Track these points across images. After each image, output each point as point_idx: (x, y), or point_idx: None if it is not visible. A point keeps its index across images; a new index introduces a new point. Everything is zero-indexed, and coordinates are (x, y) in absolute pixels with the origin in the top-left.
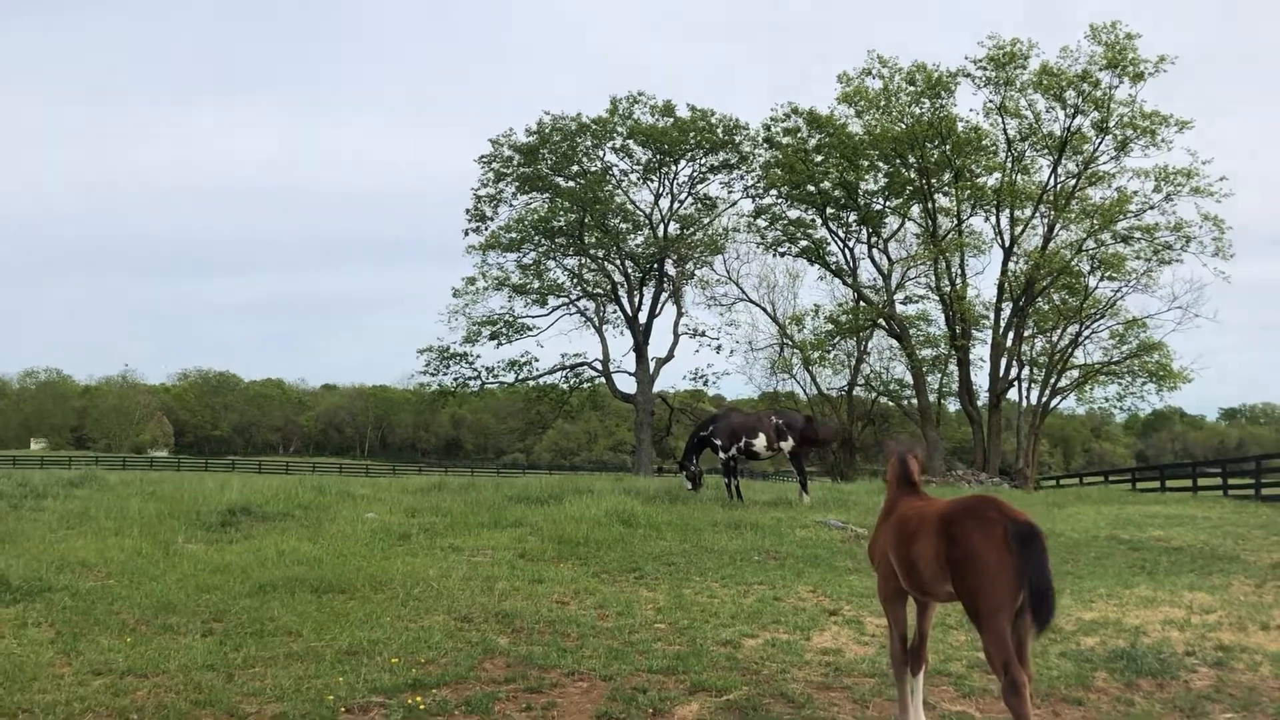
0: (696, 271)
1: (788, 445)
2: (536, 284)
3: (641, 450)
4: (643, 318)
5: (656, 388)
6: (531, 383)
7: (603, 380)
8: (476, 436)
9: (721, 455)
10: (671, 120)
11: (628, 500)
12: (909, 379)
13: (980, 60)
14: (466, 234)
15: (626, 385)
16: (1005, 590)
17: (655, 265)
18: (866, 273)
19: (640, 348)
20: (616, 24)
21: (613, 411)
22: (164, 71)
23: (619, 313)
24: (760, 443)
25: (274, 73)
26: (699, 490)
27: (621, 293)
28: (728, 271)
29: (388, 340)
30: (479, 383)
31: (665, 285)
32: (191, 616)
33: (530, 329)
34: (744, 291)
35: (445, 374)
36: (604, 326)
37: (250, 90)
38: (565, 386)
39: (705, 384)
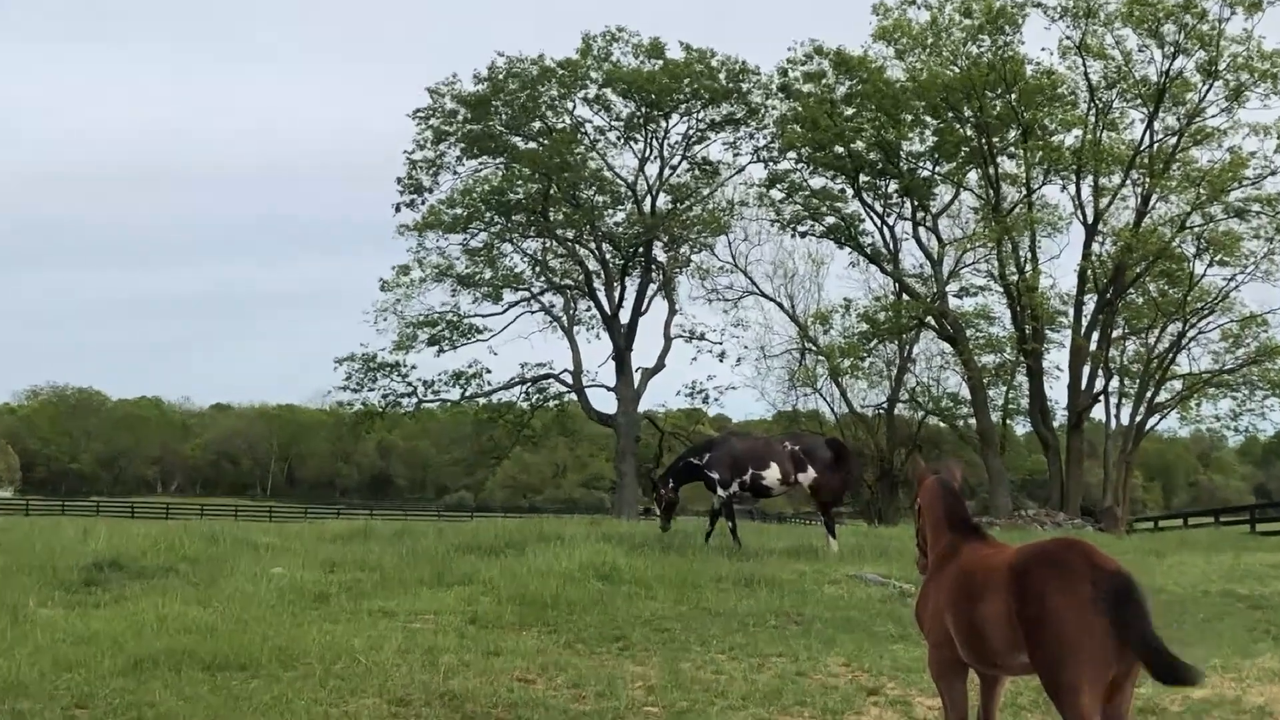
0: (694, 257)
1: (808, 478)
2: (488, 274)
3: (624, 486)
4: (625, 317)
5: (643, 406)
6: (482, 400)
7: (574, 397)
8: (411, 470)
9: (720, 492)
10: (660, 63)
11: (607, 549)
12: (965, 393)
13: None
14: (398, 210)
15: (604, 403)
16: (1092, 661)
17: (641, 249)
18: (911, 257)
19: (622, 355)
20: None
21: (587, 437)
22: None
23: (594, 311)
24: (772, 475)
25: (140, 9)
26: (667, 528)
27: (598, 284)
28: (733, 257)
29: (296, 348)
30: (414, 401)
31: (654, 275)
32: (48, 701)
33: (480, 332)
34: (754, 282)
35: (371, 390)
36: (575, 328)
37: (116, 33)
38: (526, 405)
39: (705, 401)
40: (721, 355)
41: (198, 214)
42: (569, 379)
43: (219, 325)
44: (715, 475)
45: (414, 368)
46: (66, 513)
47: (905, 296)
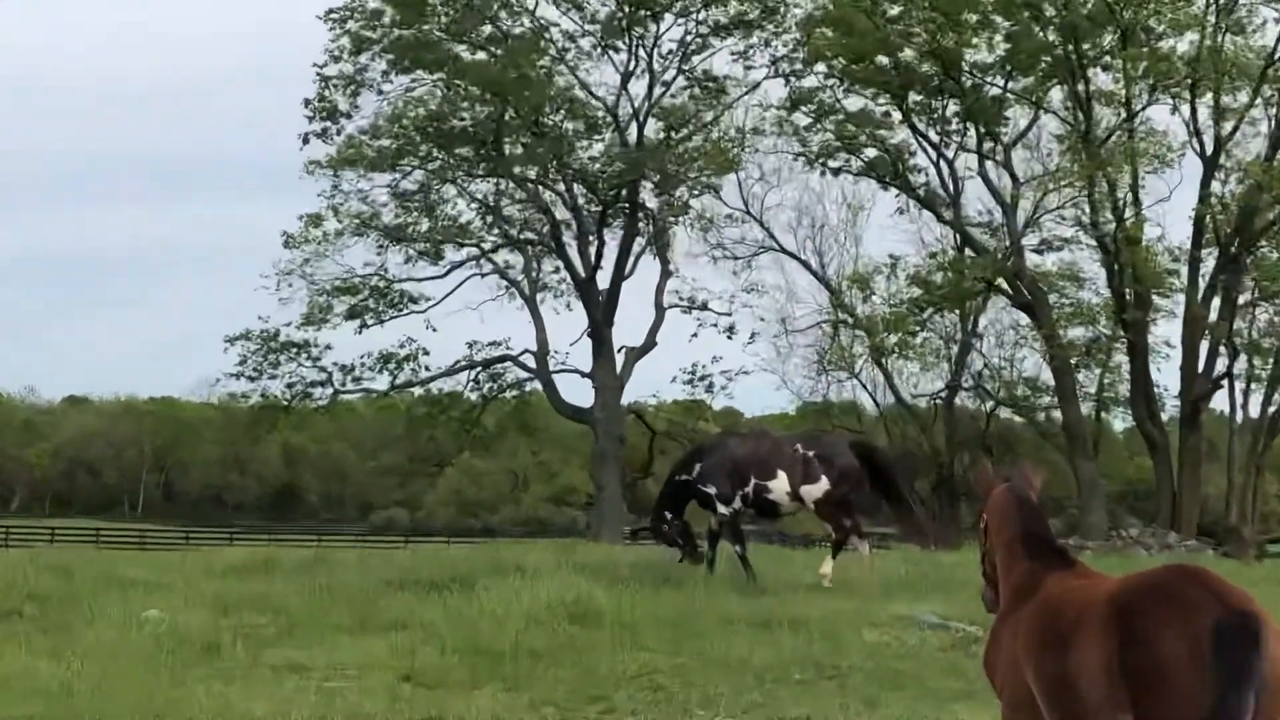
0: (693, 202)
1: (818, 489)
2: (425, 225)
3: (603, 501)
4: (604, 281)
5: (628, 396)
6: (419, 391)
7: (537, 386)
8: (326, 482)
9: (721, 509)
10: None
11: (583, 583)
12: (1047, 378)
13: None
14: (306, 142)
15: (578, 394)
16: None
17: (624, 193)
18: (977, 202)
19: (600, 331)
20: None
21: (555, 438)
22: None
23: (564, 273)
24: (779, 486)
25: None
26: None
27: (568, 239)
28: (745, 202)
29: (175, 324)
30: (329, 391)
31: (641, 226)
32: None
33: (415, 301)
34: (772, 235)
35: (272, 377)
36: (539, 295)
37: None
38: (475, 397)
39: (709, 390)
40: (730, 330)
41: (38, 146)
42: (531, 362)
43: (72, 294)
44: (711, 490)
45: (329, 348)
46: None
47: (969, 252)
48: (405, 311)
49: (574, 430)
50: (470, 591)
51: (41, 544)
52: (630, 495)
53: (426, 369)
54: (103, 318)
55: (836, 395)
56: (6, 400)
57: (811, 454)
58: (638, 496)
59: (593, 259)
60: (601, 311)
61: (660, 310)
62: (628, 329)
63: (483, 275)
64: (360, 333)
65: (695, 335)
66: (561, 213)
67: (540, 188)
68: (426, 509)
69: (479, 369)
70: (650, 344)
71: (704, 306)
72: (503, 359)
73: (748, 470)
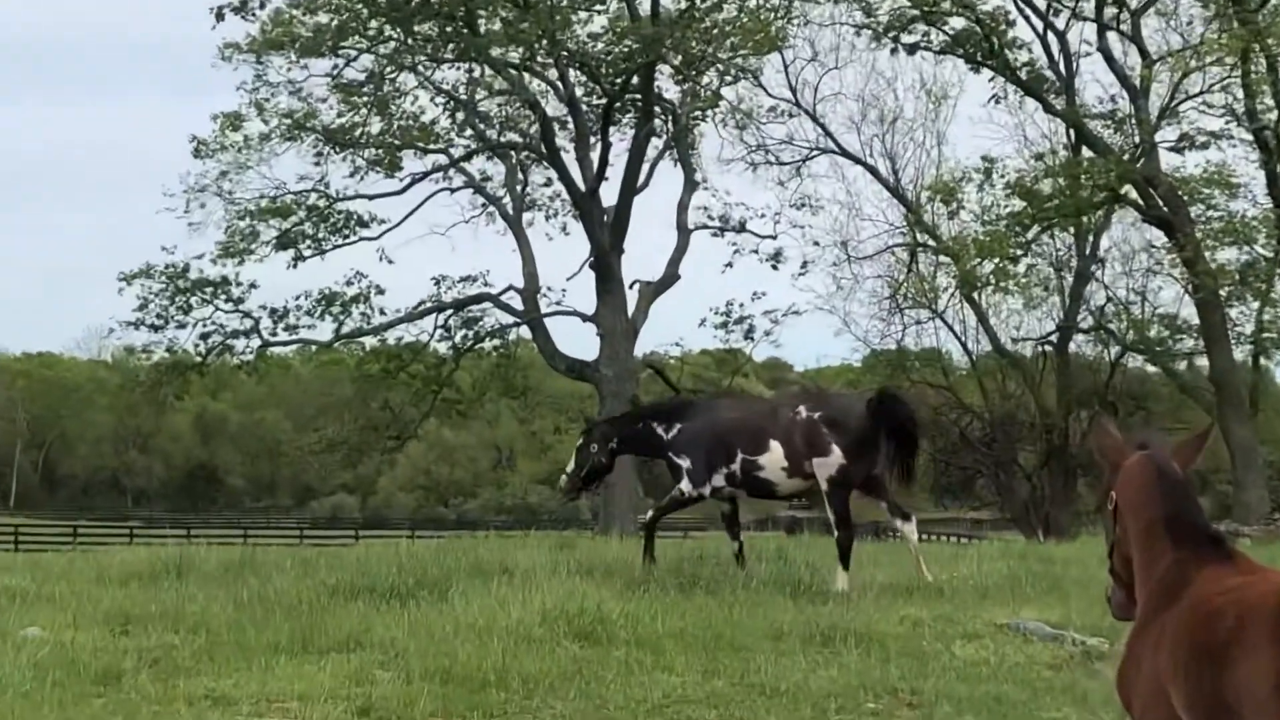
0: (726, 92)
1: (831, 462)
2: (376, 126)
3: (613, 483)
4: (609, 195)
5: (643, 346)
6: (371, 341)
7: (525, 333)
8: (253, 460)
9: (686, 488)
10: None
11: (589, 589)
12: (1190, 315)
13: None
14: (220, 19)
15: (578, 343)
16: None
17: (636, 80)
18: (1096, 86)
19: (606, 260)
20: None
21: (548, 400)
22: None
23: (558, 186)
24: (773, 461)
25: None
26: (573, 498)
27: (563, 142)
28: (793, 90)
29: (54, 258)
30: (255, 343)
31: (659, 124)
32: None
33: (367, 225)
34: (828, 133)
35: (181, 325)
36: (526, 215)
37: None
38: (445, 348)
39: (748, 336)
40: (775, 258)
41: None
42: (517, 302)
43: None
44: (685, 463)
45: (254, 288)
46: None
47: (1086, 153)
48: (352, 239)
49: (573, 390)
50: (443, 600)
51: None
52: (647, 474)
53: (381, 312)
54: None
55: (914, 341)
56: None
57: (817, 417)
58: (656, 476)
59: (595, 167)
60: (608, 235)
61: (684, 233)
62: (641, 259)
63: (452, 190)
64: (294, 267)
65: (729, 265)
66: (554, 108)
67: (526, 75)
68: (383, 494)
69: (449, 312)
70: (671, 277)
71: (741, 227)
72: (479, 298)
73: (734, 443)
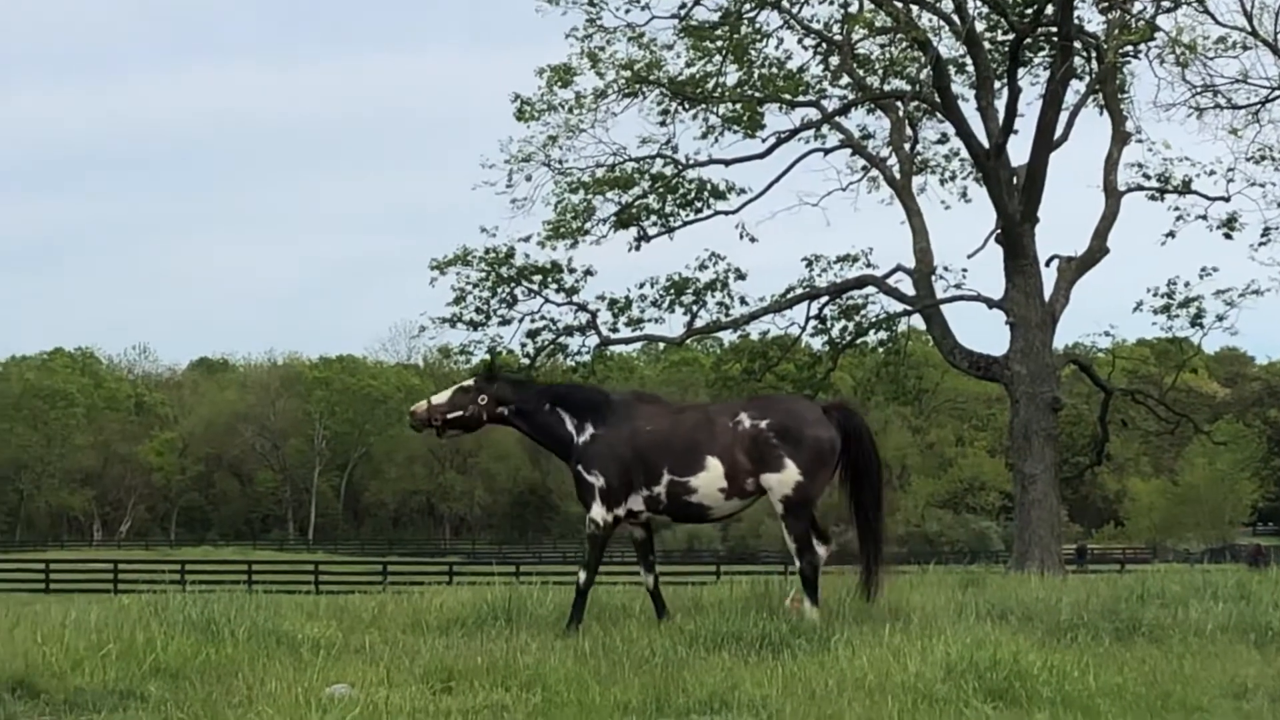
0: (1161, 20)
1: (787, 479)
2: (732, 76)
3: (1030, 505)
4: (1019, 153)
5: (1064, 337)
6: (730, 336)
7: (918, 323)
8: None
9: (597, 512)
10: None
11: (1001, 635)
12: None
13: None
14: None
15: (982, 334)
16: None
17: (1051, 10)
18: None
19: (1016, 232)
20: None
21: (950, 403)
22: None
23: (954, 143)
24: (709, 481)
25: None
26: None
27: (960, 89)
28: (1248, 16)
29: (348, 241)
30: (592, 340)
31: (1079, 64)
32: None
33: (724, 196)
34: None
35: (504, 321)
36: (917, 180)
37: None
38: (820, 343)
39: (1197, 323)
40: (1229, 226)
41: None
42: (907, 286)
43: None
44: (594, 480)
45: (589, 274)
46: None
47: None
48: (706, 213)
49: (978, 392)
50: (824, 650)
51: (167, 584)
52: (1071, 492)
53: (742, 301)
54: (243, 231)
55: None
56: (111, 369)
57: (762, 425)
58: (1083, 495)
59: (1001, 119)
60: (1018, 201)
61: (1113, 196)
62: (1059, 229)
63: (825, 152)
64: (637, 248)
65: (1171, 235)
66: (949, 47)
67: (914, 8)
68: (748, 521)
69: (824, 300)
70: (1098, 250)
71: (1185, 188)
72: (861, 282)
73: (658, 459)
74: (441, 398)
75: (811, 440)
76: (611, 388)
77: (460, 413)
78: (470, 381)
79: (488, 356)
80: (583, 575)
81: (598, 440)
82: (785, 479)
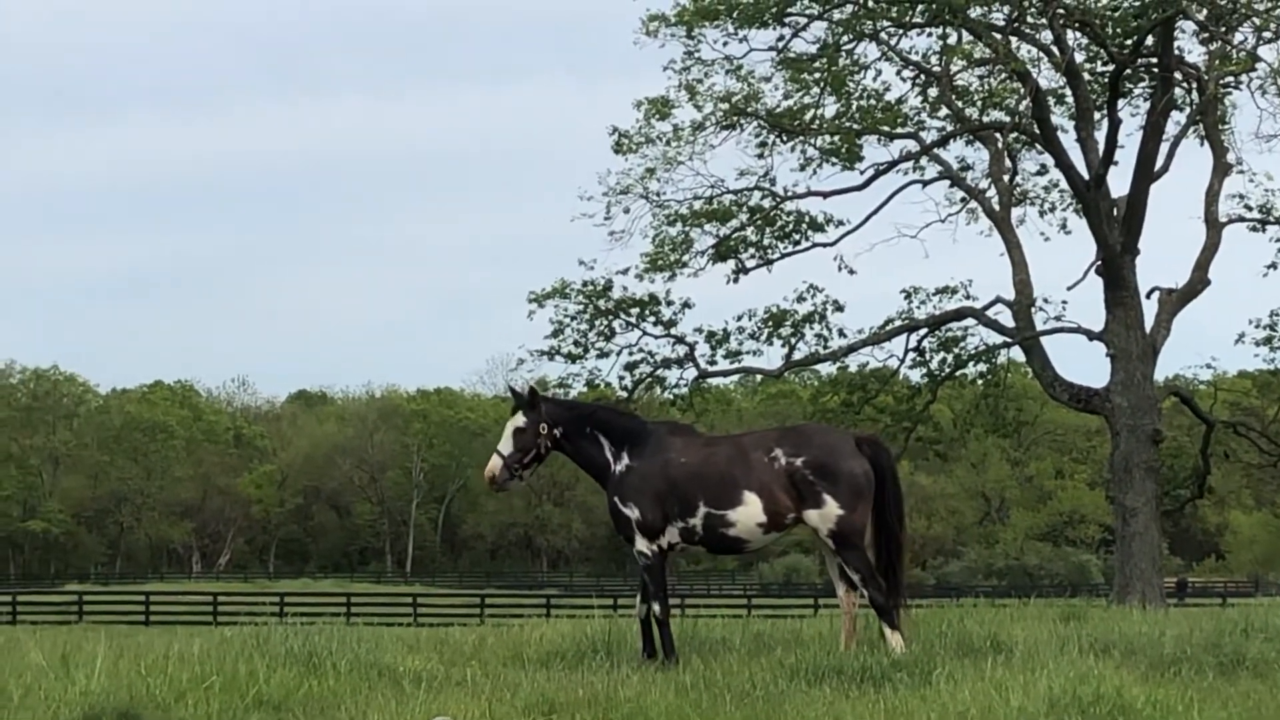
0: (1264, 51)
1: (829, 514)
2: (830, 108)
3: (1131, 537)
4: (1119, 184)
5: (1165, 368)
6: (828, 369)
7: (1018, 355)
8: None
9: (641, 545)
10: None
11: (1105, 670)
12: None
13: None
14: None
15: (1082, 366)
16: None
17: (1152, 42)
18: None
19: (1117, 264)
20: None
21: (1050, 436)
22: None
23: (1054, 174)
24: (748, 516)
25: None
26: (501, 489)
27: (1060, 119)
28: None
29: (446, 273)
30: (689, 373)
31: (1180, 95)
32: None
33: (822, 228)
34: None
35: (603, 354)
36: (1016, 210)
37: None
38: (919, 376)
39: None
40: None
41: None
42: (1006, 318)
43: (301, 240)
44: (630, 513)
45: (687, 307)
46: None
47: None
48: (804, 245)
49: (1078, 424)
50: (925, 684)
51: (267, 617)
52: (1172, 525)
53: (840, 334)
54: (360, 268)
55: None
56: (211, 402)
57: (800, 463)
58: (1184, 528)
59: (1101, 150)
60: (1119, 233)
61: (1214, 227)
62: (1159, 261)
63: (924, 183)
64: (735, 280)
65: (1273, 266)
66: (1049, 78)
67: (1014, 40)
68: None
69: (923, 332)
70: (1199, 282)
71: None
72: (960, 314)
73: (693, 492)
74: (507, 446)
75: (848, 474)
76: (647, 417)
77: (533, 452)
78: (521, 420)
79: (514, 390)
80: (656, 607)
81: (632, 472)
82: (826, 514)
